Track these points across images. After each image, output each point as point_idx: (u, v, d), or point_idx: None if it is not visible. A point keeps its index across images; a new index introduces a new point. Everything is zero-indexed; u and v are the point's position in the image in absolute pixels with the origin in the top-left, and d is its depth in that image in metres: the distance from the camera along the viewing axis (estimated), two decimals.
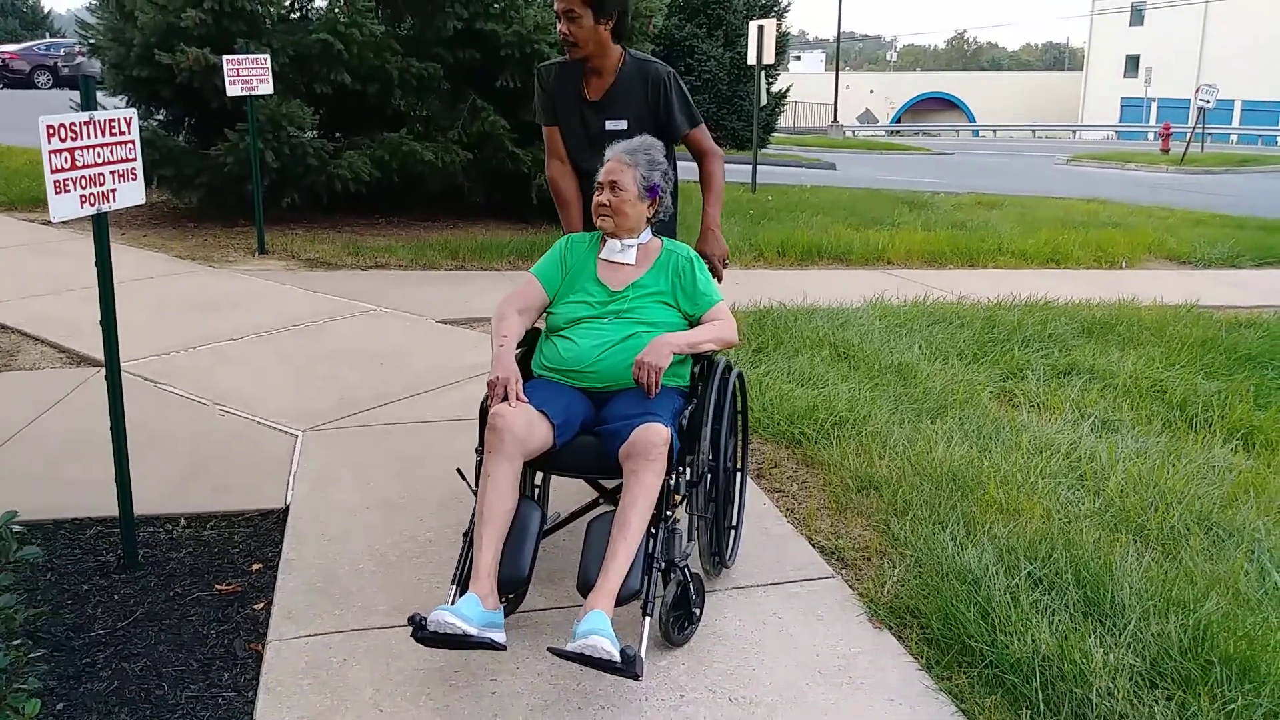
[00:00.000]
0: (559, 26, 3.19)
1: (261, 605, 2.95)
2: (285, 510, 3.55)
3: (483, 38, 8.57)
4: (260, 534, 3.41)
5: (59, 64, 27.99)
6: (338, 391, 4.75)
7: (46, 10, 43.70)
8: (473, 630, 2.36)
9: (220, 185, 7.95)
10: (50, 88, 27.32)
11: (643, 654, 2.34)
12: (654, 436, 2.55)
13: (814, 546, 3.34)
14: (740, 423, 3.25)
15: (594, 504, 3.01)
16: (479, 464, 2.74)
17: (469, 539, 2.65)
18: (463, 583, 2.60)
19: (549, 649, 2.40)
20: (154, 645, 2.74)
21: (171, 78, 7.66)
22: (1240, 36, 43.92)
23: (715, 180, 3.42)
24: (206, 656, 2.70)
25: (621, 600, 2.45)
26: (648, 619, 2.48)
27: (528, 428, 2.61)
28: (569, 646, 2.31)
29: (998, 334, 5.88)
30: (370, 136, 8.54)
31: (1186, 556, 3.15)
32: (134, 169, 3.00)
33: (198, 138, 8.66)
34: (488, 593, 2.48)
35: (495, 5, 8.59)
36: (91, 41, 8.65)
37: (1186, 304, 7.03)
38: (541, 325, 3.09)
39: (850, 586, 3.08)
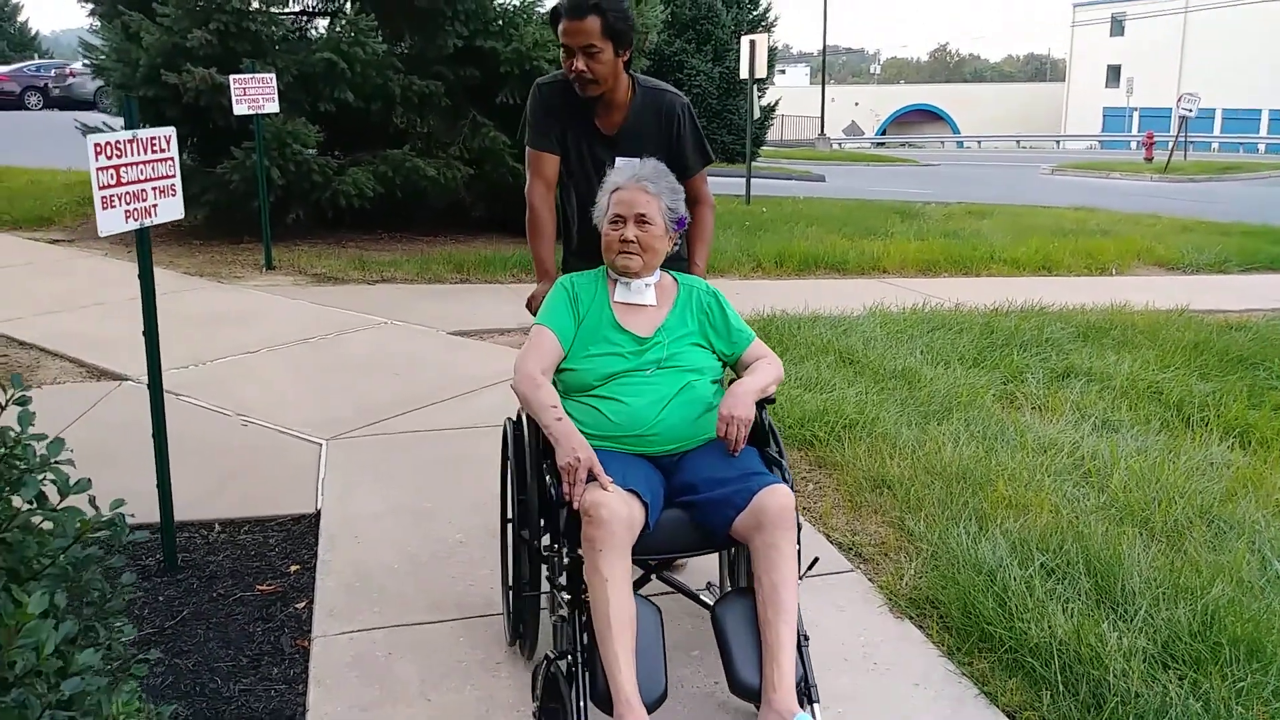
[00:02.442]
0: (575, 64, 2.81)
1: (303, 604, 3.05)
2: (317, 515, 3.65)
3: (483, 55, 8.71)
4: (294, 538, 3.51)
5: (49, 85, 28.03)
6: (357, 401, 4.85)
7: (34, 32, 43.76)
8: None
9: (226, 203, 8.05)
10: (40, 108, 27.35)
11: None
12: (786, 500, 2.28)
13: (831, 543, 3.46)
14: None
15: (644, 580, 2.59)
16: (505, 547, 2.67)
17: (560, 660, 2.29)
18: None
19: None
20: (203, 643, 2.84)
21: (178, 97, 7.77)
22: (1220, 46, 44.53)
23: (706, 229, 3.08)
24: (255, 652, 2.80)
25: None
26: (816, 705, 2.23)
27: (631, 514, 2.25)
28: None
29: (996, 339, 6.02)
30: (373, 153, 8.66)
31: (1191, 547, 3.28)
32: (174, 185, 3.11)
33: (201, 156, 8.76)
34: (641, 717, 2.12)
35: (495, 23, 8.74)
36: (97, 62, 8.75)
37: (1178, 308, 7.19)
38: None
39: (869, 580, 3.20)
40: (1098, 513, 3.56)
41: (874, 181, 21.82)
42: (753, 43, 13.64)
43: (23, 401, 1.49)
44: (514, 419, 2.77)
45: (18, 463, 1.24)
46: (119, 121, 9.39)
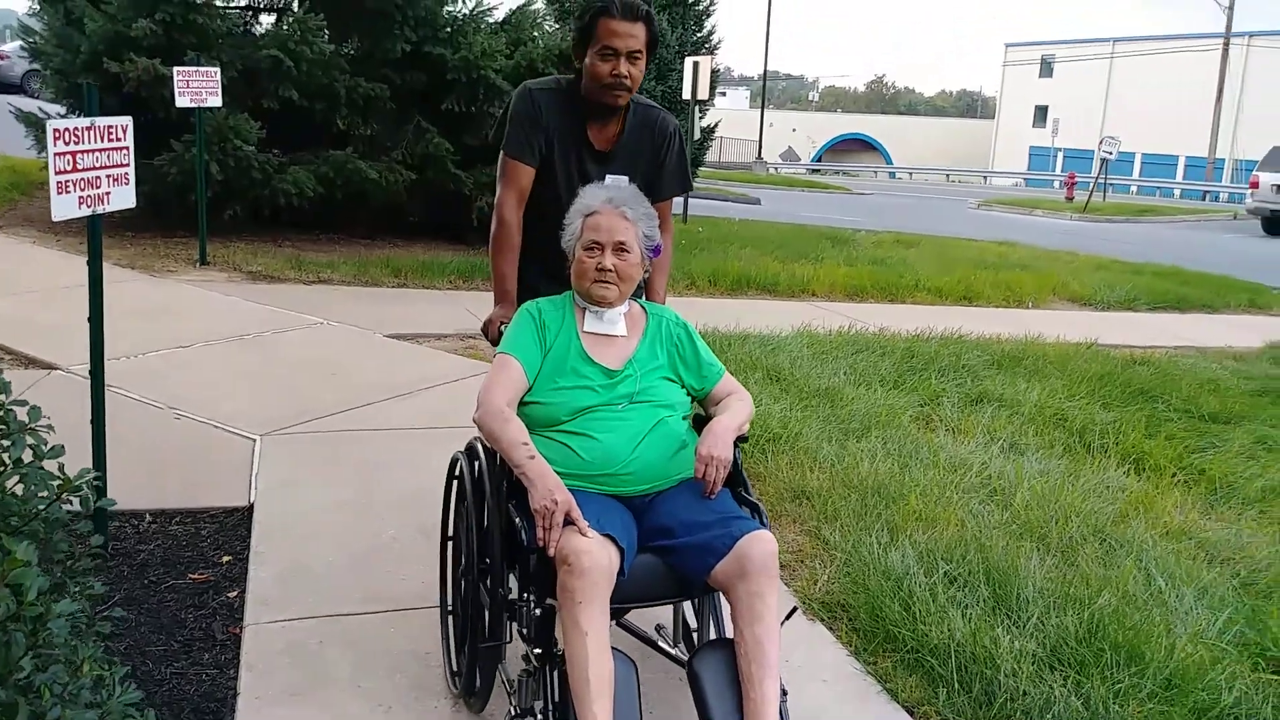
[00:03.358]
0: (618, 66, 2.65)
1: (235, 593, 3.12)
2: (250, 508, 3.71)
3: (430, 61, 8.78)
4: (227, 529, 3.56)
5: None
6: (292, 399, 4.89)
7: None
8: None
9: (162, 195, 7.97)
10: None
11: None
12: (770, 547, 2.18)
13: None
14: None
15: None
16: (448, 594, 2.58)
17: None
18: None
19: None
20: (134, 627, 2.88)
21: (119, 86, 7.68)
22: (1142, 92, 46.42)
23: (667, 256, 2.97)
24: (186, 638, 2.86)
25: None
26: None
27: (610, 562, 2.11)
28: None
29: (916, 363, 6.28)
30: (315, 153, 8.66)
31: (1083, 562, 3.52)
32: (127, 174, 3.17)
33: (139, 147, 8.62)
34: None
35: (444, 30, 8.82)
36: (35, 46, 8.61)
37: (1087, 342, 7.56)
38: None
39: (786, 585, 3.37)
40: (1000, 528, 3.79)
41: (808, 207, 22.29)
42: (696, 64, 13.94)
43: None
44: (465, 452, 2.62)
45: (3, 427, 1.33)
46: (55, 108, 9.25)
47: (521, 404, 2.40)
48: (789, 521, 3.85)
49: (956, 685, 2.71)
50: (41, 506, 1.35)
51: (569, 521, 2.12)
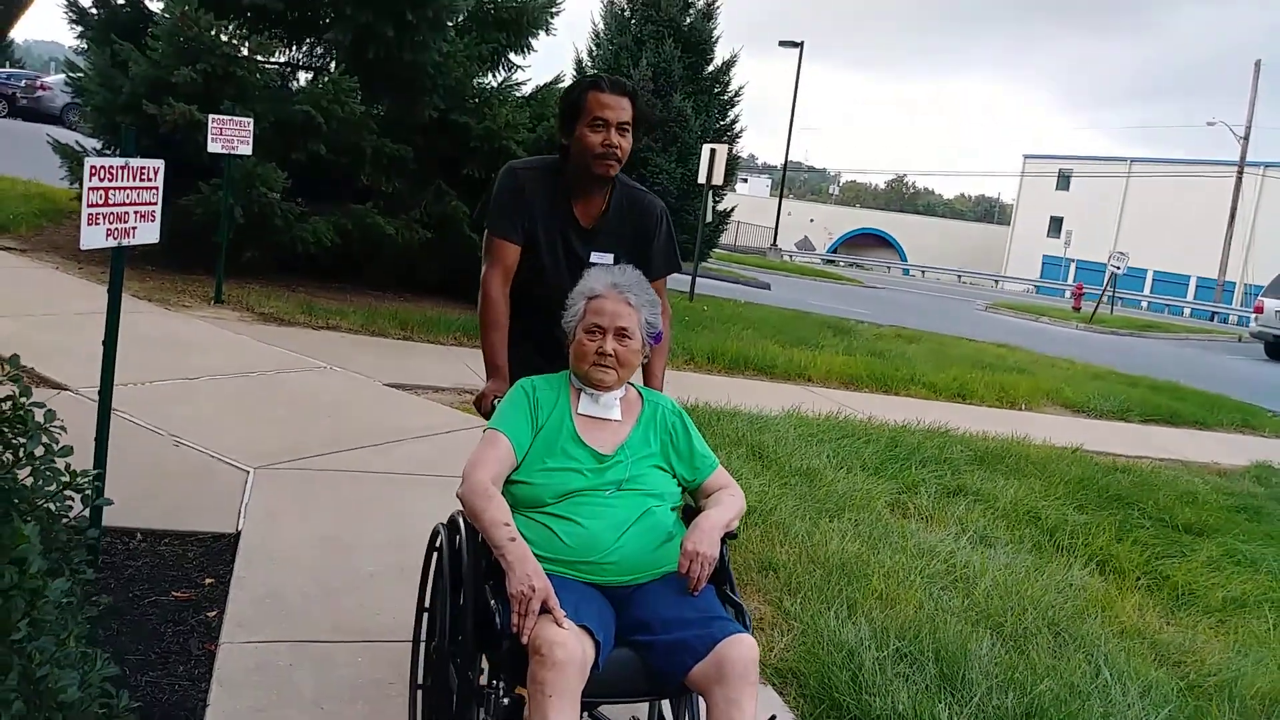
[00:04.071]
0: (609, 137, 2.74)
1: (214, 613, 3.25)
2: (237, 535, 3.85)
3: (455, 128, 9.15)
4: (213, 554, 3.70)
5: (18, 95, 27.97)
6: (288, 436, 5.06)
7: (9, 40, 43.68)
8: None
9: (185, 233, 8.25)
10: (4, 116, 27.24)
11: None
12: (750, 652, 2.11)
13: None
14: None
15: None
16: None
17: None
18: None
19: None
20: (115, 635, 3.01)
21: (154, 127, 8.03)
22: (1157, 210, 47.18)
23: (666, 339, 2.94)
24: (164, 650, 3.00)
25: None
26: None
27: (585, 655, 2.04)
28: None
29: (899, 452, 6.43)
30: (337, 205, 8.98)
31: (1033, 651, 3.63)
32: (154, 211, 3.39)
33: (167, 185, 8.96)
34: None
35: (472, 100, 9.20)
36: (79, 83, 9.01)
37: (1072, 446, 7.70)
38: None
39: None
40: (958, 613, 3.90)
41: (817, 295, 22.64)
42: (713, 151, 14.39)
43: (16, 379, 1.77)
44: (446, 525, 2.55)
45: (21, 425, 1.51)
46: (91, 143, 9.62)
47: (508, 482, 2.35)
48: (754, 591, 3.97)
49: None
50: (45, 498, 1.51)
51: (545, 609, 2.06)
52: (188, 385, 5.71)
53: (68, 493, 1.63)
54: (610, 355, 2.41)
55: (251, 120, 7.75)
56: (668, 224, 2.97)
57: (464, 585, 2.30)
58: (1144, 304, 42.18)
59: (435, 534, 2.61)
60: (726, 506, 2.42)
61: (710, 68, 20.85)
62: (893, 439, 6.77)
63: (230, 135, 7.58)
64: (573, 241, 2.85)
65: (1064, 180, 55.04)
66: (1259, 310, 21.53)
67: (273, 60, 9.67)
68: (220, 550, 3.74)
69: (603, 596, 2.25)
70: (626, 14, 20.93)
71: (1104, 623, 4.12)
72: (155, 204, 3.39)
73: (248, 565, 3.60)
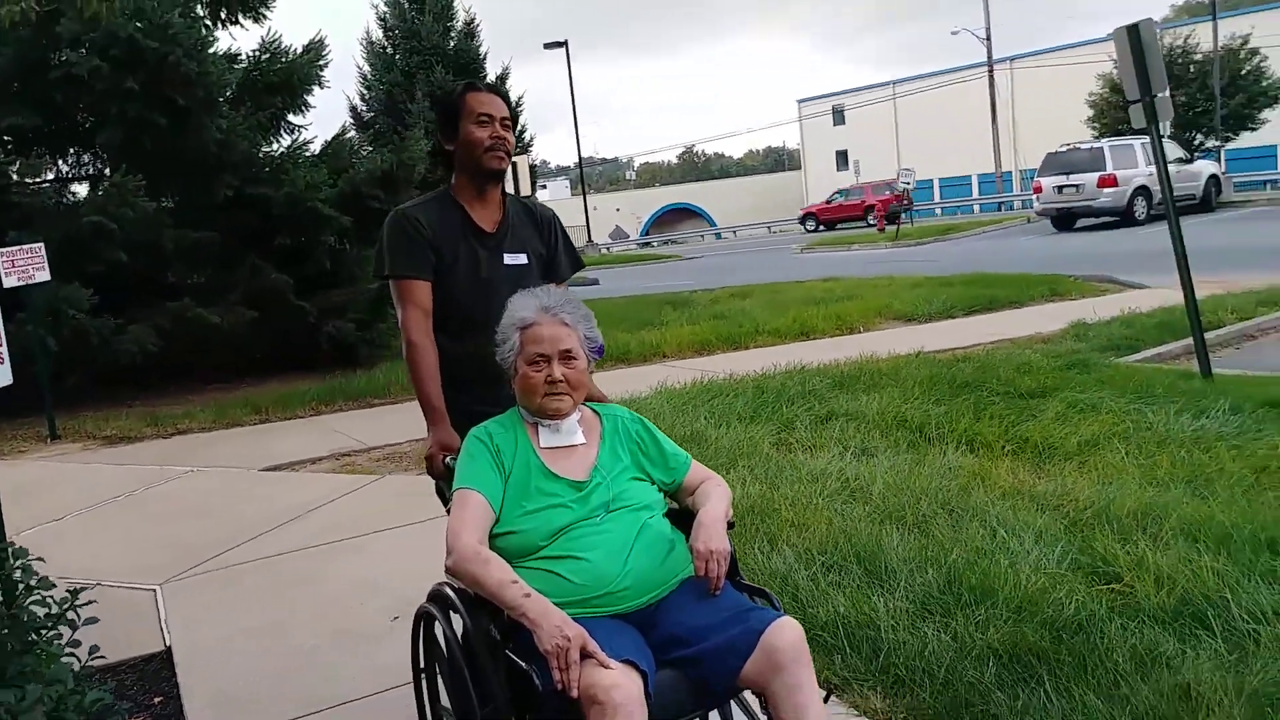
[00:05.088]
0: (490, 131, 2.73)
1: None
2: (168, 650, 3.79)
3: (256, 201, 8.99)
4: (150, 675, 3.64)
5: None
6: (180, 545, 4.95)
7: None
8: None
9: None
10: None
11: None
12: (797, 632, 2.05)
13: None
14: None
15: None
16: None
17: None
18: None
19: None
20: None
21: None
22: (927, 123, 50.23)
23: None
24: None
25: None
26: None
27: (639, 690, 1.92)
28: None
29: (767, 398, 6.79)
30: (151, 308, 8.66)
31: (936, 531, 4.00)
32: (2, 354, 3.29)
33: None
34: None
35: (264, 170, 9.04)
36: None
37: (914, 351, 8.28)
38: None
39: None
40: (864, 519, 4.24)
41: (644, 278, 23.12)
42: (514, 165, 14.49)
43: None
44: (435, 604, 2.34)
45: None
46: None
47: (492, 537, 2.21)
48: None
49: (847, 649, 3.09)
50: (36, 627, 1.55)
51: (584, 655, 1.93)
52: (55, 527, 5.48)
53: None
54: (561, 381, 2.30)
55: (42, 245, 7.40)
56: (562, 225, 3.00)
57: (478, 659, 2.12)
58: (938, 211, 44.89)
59: (420, 619, 2.41)
60: (719, 498, 2.36)
61: None
62: (757, 387, 7.14)
63: (24, 264, 7.22)
64: (479, 251, 2.77)
65: (839, 115, 57.83)
66: (1038, 190, 23.37)
67: (43, 179, 9.22)
68: (156, 668, 3.67)
69: (627, 624, 2.14)
70: (389, 50, 20.73)
71: (986, 491, 4.54)
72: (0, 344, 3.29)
73: (189, 673, 3.56)
